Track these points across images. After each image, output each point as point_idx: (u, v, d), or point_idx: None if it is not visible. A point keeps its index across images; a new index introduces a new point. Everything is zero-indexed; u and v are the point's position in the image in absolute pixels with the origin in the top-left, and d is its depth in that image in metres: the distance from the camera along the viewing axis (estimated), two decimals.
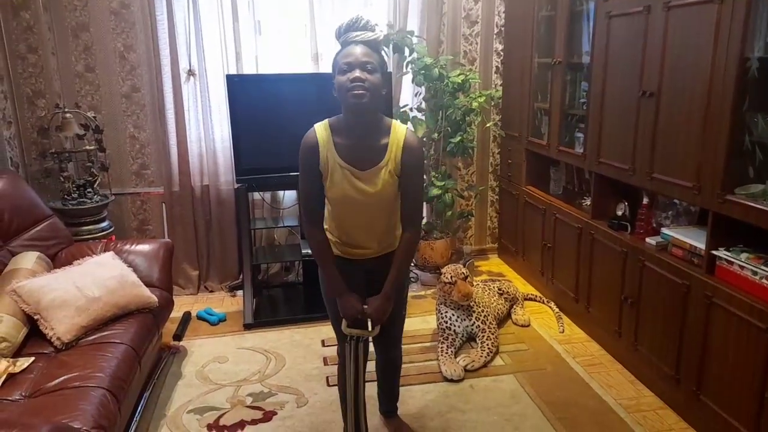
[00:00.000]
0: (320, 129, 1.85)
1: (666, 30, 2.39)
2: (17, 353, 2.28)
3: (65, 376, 2.10)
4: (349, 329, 1.99)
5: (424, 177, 2.01)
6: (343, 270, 1.98)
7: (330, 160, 1.83)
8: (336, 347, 2.24)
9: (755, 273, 2.07)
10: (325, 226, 2.01)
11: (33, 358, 2.24)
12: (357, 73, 1.70)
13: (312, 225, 1.94)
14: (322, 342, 3.14)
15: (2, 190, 2.78)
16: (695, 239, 2.38)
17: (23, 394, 2.04)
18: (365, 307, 1.95)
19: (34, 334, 2.37)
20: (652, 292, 2.58)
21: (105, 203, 3.49)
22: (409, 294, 3.73)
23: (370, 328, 2.01)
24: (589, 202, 3.17)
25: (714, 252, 2.25)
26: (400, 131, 1.84)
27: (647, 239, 2.66)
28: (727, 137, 2.11)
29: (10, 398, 2.01)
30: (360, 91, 1.70)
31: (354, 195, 1.84)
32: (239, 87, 3.36)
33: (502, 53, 4.12)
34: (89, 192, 3.45)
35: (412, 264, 4.11)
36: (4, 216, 2.72)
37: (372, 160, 1.82)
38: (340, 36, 1.78)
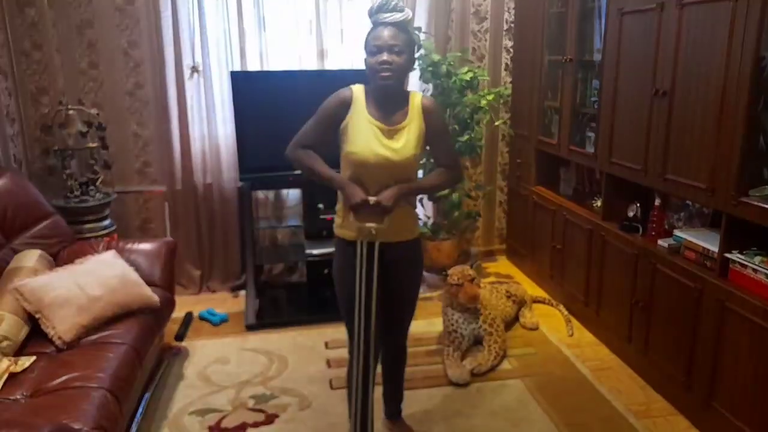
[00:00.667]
0: (357, 89, 1.98)
1: (680, 28, 2.34)
2: (18, 352, 2.26)
3: (66, 376, 2.08)
4: (358, 221, 1.91)
5: (453, 146, 2.13)
6: (355, 261, 1.94)
7: (359, 116, 1.94)
8: (343, 349, 2.19)
9: None
10: (338, 207, 2.05)
11: (34, 358, 2.22)
12: (385, 56, 1.85)
13: (298, 147, 2.01)
14: (326, 344, 3.11)
15: (5, 188, 2.76)
16: (708, 242, 2.33)
17: (24, 393, 2.02)
18: (371, 198, 1.92)
19: (35, 333, 2.34)
20: (664, 295, 2.53)
21: (107, 201, 3.47)
22: None
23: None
24: (599, 203, 3.11)
25: (727, 255, 2.20)
26: (416, 98, 2.01)
27: (659, 241, 2.61)
28: (742, 138, 2.06)
29: (11, 398, 1.99)
30: (386, 74, 1.86)
31: (378, 151, 1.92)
32: (243, 84, 3.33)
33: (511, 50, 4.06)
34: (92, 190, 3.43)
35: None
36: (6, 214, 2.70)
37: (396, 120, 1.96)
38: (371, 16, 1.90)
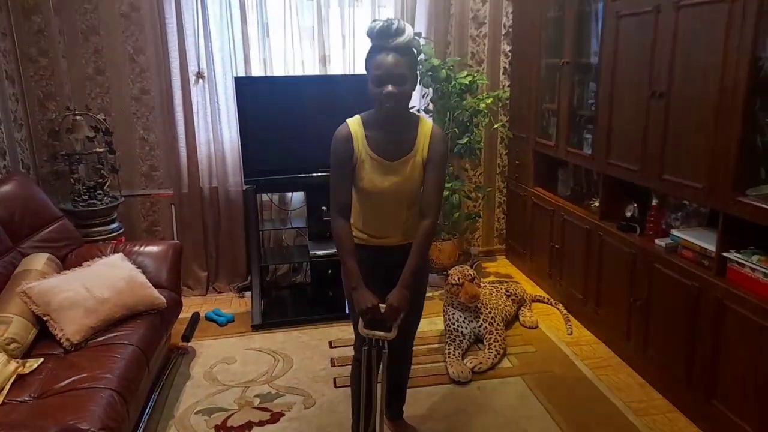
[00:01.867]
0: (353, 123, 1.94)
1: (676, 29, 2.37)
2: (27, 354, 2.29)
3: (74, 377, 2.11)
4: (366, 330, 1.91)
5: (442, 187, 2.04)
6: (366, 260, 1.99)
7: (362, 152, 1.92)
8: (347, 347, 2.23)
9: (767, 275, 2.04)
10: (351, 221, 2.04)
11: (42, 359, 2.25)
12: (390, 88, 1.79)
13: (340, 217, 1.97)
14: (330, 343, 3.14)
15: (13, 192, 2.81)
16: (705, 241, 2.36)
17: (32, 395, 2.05)
18: (381, 305, 1.91)
19: (43, 335, 2.38)
20: (662, 294, 2.56)
21: (115, 205, 3.51)
22: None
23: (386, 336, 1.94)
24: (597, 204, 3.14)
25: (725, 254, 2.22)
26: (427, 125, 1.97)
27: (656, 241, 2.64)
28: (739, 138, 2.09)
29: (19, 399, 2.02)
30: (392, 104, 1.82)
31: (383, 185, 1.93)
32: (247, 89, 3.37)
33: (509, 54, 4.11)
34: (99, 194, 3.48)
35: None
36: (15, 217, 2.74)
37: (401, 151, 1.93)
38: (372, 38, 1.82)
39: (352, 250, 1.96)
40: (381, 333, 1.91)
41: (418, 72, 1.90)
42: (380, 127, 1.92)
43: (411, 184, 1.95)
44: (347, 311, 2.15)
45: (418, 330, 3.24)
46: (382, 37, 1.78)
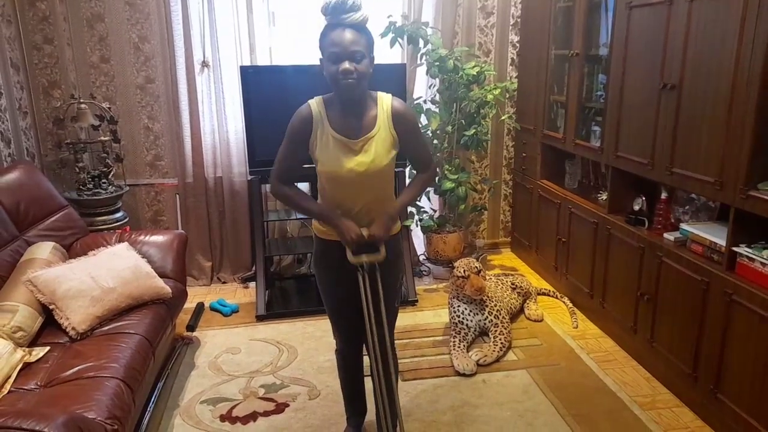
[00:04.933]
0: (314, 103, 1.89)
1: (689, 21, 2.34)
2: (33, 343, 2.30)
3: (80, 366, 2.12)
4: (355, 257, 1.88)
5: (427, 144, 1.99)
6: (331, 257, 1.95)
7: (324, 132, 1.86)
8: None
9: None
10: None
11: (48, 348, 2.26)
12: (346, 65, 1.72)
13: (282, 182, 1.95)
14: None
15: (18, 181, 2.80)
16: (715, 235, 2.34)
17: (39, 383, 2.06)
18: (364, 229, 1.88)
19: (49, 323, 2.39)
20: (670, 288, 2.54)
21: (119, 194, 3.51)
22: (421, 287, 3.75)
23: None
24: (605, 197, 3.12)
25: (735, 248, 2.20)
26: (386, 101, 1.89)
27: (665, 235, 2.62)
28: (752, 132, 2.06)
29: (25, 387, 2.03)
30: (350, 81, 1.74)
31: (349, 165, 1.85)
32: (253, 78, 3.34)
33: (517, 45, 4.07)
34: (104, 183, 3.47)
35: (424, 257, 4.10)
36: (20, 206, 2.74)
37: (364, 130, 1.86)
38: (326, 14, 1.77)
39: (310, 198, 1.97)
40: (371, 257, 1.88)
41: (374, 55, 1.82)
42: (341, 106, 1.86)
43: (377, 165, 1.86)
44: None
45: (424, 322, 3.26)
46: (337, 12, 1.73)
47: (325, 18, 1.78)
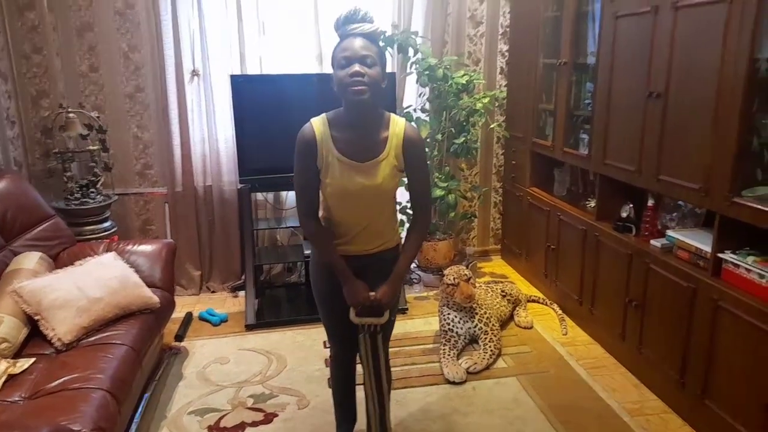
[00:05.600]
0: (317, 123, 1.82)
1: (674, 30, 2.37)
2: (18, 354, 2.27)
3: (65, 377, 2.09)
4: (358, 318, 1.91)
5: (429, 180, 1.99)
6: (331, 271, 1.94)
7: (328, 154, 1.81)
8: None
9: (762, 276, 2.04)
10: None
11: (33, 359, 2.23)
12: (356, 67, 1.67)
13: (310, 217, 1.91)
14: (324, 343, 3.13)
15: (5, 190, 2.78)
16: (701, 242, 2.36)
17: (23, 395, 2.03)
18: (372, 293, 1.90)
19: (34, 334, 2.36)
20: (658, 294, 2.55)
21: (108, 203, 3.49)
22: (412, 295, 3.75)
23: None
24: (593, 204, 3.14)
25: (720, 255, 2.22)
26: (399, 125, 1.83)
27: (652, 241, 2.64)
28: (736, 139, 2.09)
29: (9, 399, 2.00)
30: (360, 87, 1.68)
31: (353, 188, 1.81)
32: (243, 87, 3.35)
33: (506, 54, 4.10)
34: (92, 192, 3.45)
35: (415, 265, 4.10)
36: (6, 216, 2.72)
37: (371, 153, 1.81)
38: (338, 28, 1.76)
39: (333, 245, 1.92)
40: (374, 318, 1.91)
41: (386, 70, 1.79)
42: (348, 125, 1.80)
43: (383, 189, 1.83)
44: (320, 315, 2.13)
45: (414, 330, 3.26)
46: (348, 22, 1.72)
47: (337, 33, 1.76)
